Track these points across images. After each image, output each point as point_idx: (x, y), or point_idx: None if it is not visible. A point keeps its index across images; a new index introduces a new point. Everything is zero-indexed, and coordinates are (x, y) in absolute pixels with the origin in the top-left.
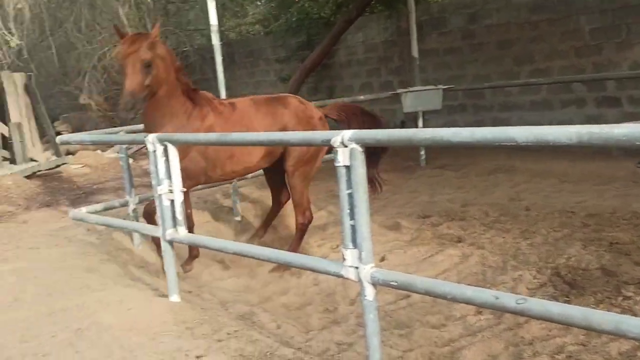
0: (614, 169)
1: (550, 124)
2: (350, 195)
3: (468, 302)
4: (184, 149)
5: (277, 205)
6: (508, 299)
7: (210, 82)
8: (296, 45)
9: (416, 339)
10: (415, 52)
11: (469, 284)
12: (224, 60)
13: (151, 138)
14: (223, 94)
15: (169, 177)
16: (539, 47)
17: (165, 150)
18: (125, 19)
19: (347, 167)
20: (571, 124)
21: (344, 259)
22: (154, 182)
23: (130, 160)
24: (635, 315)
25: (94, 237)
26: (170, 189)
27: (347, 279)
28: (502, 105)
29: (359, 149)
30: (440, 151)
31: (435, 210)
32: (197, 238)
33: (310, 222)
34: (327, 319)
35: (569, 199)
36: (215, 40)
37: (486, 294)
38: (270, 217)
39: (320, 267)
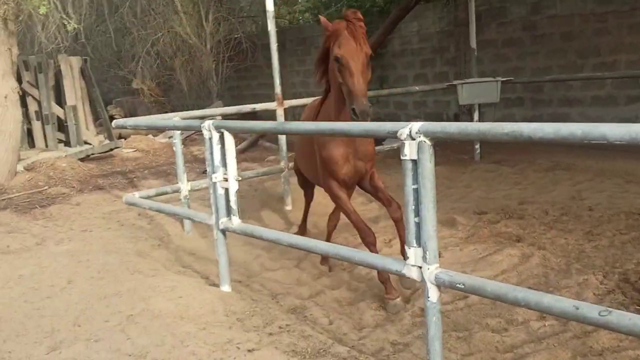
0: None
1: (613, 120)
2: (416, 191)
3: (545, 311)
4: None
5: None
6: (589, 310)
7: (262, 69)
8: None
9: (476, 343)
10: (473, 43)
11: (530, 287)
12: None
13: (207, 124)
14: (277, 81)
15: (224, 165)
16: (604, 40)
17: (222, 138)
18: (179, 5)
19: (414, 161)
20: (637, 121)
21: (406, 257)
22: (209, 170)
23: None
24: None
25: (145, 221)
26: (225, 177)
27: (409, 278)
28: (561, 100)
29: (427, 142)
30: (495, 145)
31: (492, 207)
32: (251, 228)
33: None
34: (381, 316)
35: (636, 200)
36: (271, 26)
37: (565, 303)
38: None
39: (381, 264)
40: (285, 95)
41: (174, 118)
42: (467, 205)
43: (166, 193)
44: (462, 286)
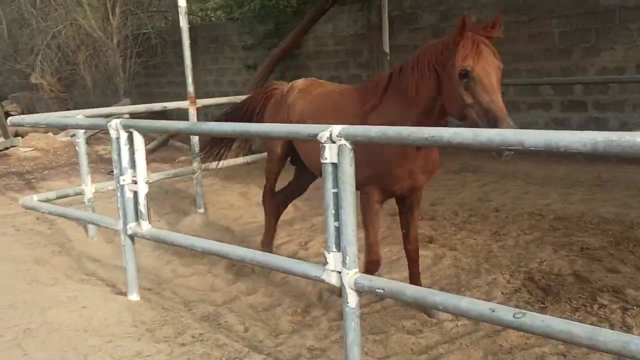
0: (578, 172)
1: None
2: (336, 195)
3: (462, 314)
4: None
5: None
6: (504, 313)
7: (172, 67)
8: (263, 33)
9: (392, 345)
10: (386, 47)
11: (443, 287)
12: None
13: (114, 123)
14: (190, 79)
15: (133, 166)
16: (505, 48)
17: (130, 138)
18: None
19: (334, 165)
20: (537, 127)
21: (326, 262)
22: (116, 172)
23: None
24: (612, 325)
25: (44, 226)
26: (134, 179)
27: (329, 284)
28: None
29: (348, 145)
30: None
31: None
32: (162, 234)
33: None
34: (298, 321)
35: (536, 201)
36: (183, 22)
37: (482, 306)
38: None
39: (299, 270)
40: (198, 94)
41: (78, 116)
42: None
43: (68, 196)
44: (382, 291)
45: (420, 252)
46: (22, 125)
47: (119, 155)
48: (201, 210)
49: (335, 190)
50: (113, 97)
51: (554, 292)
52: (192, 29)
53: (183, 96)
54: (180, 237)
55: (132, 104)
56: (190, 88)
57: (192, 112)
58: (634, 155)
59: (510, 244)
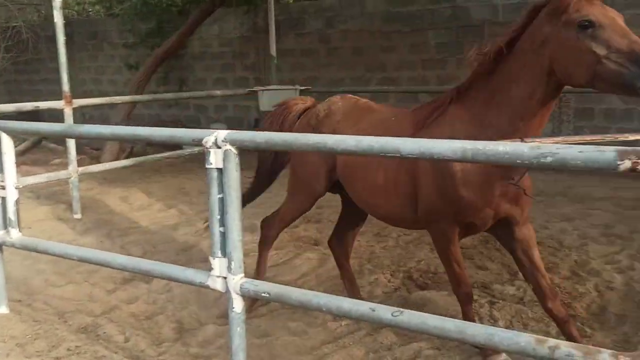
0: None
1: None
2: (221, 200)
3: (345, 315)
4: None
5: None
6: (384, 312)
7: (45, 63)
8: (145, 31)
9: (278, 348)
10: (273, 51)
11: (327, 289)
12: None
13: None
14: (65, 77)
15: (1, 170)
16: (389, 56)
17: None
18: None
19: (219, 170)
20: None
21: (211, 268)
22: None
23: None
24: (480, 318)
25: None
26: (1, 185)
27: (214, 290)
28: None
29: (233, 151)
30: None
31: None
32: (35, 242)
33: None
34: (181, 329)
35: None
36: (58, 17)
37: (363, 307)
38: None
39: (183, 277)
40: (75, 94)
41: None
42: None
43: None
44: (268, 295)
45: (306, 254)
46: None
47: None
48: (78, 216)
49: (220, 196)
50: None
51: (431, 289)
52: (68, 24)
53: (58, 95)
54: (54, 245)
55: None
56: (66, 87)
57: (68, 113)
58: (497, 162)
59: (391, 245)
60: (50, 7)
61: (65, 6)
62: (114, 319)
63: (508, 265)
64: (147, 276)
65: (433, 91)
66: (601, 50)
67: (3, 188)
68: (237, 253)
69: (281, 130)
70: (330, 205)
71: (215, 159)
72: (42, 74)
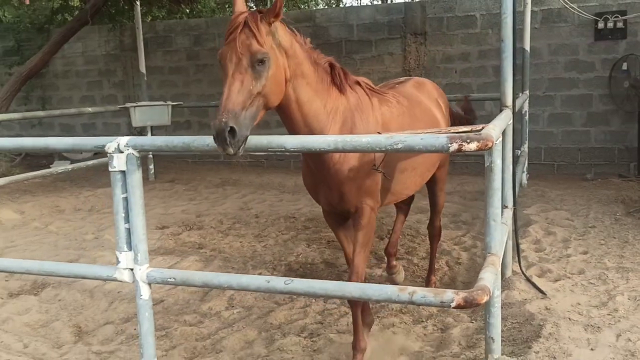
0: None
1: None
2: (126, 199)
3: (244, 288)
4: None
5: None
6: (277, 282)
7: None
8: (2, 51)
9: (177, 338)
10: (142, 68)
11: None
12: None
13: None
14: None
15: None
16: None
17: None
18: None
19: (123, 172)
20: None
21: (118, 262)
22: None
23: None
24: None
25: None
26: None
27: (121, 281)
28: None
29: (135, 154)
30: (168, 166)
31: (172, 221)
32: None
33: None
34: (80, 332)
35: (289, 207)
36: None
37: (259, 280)
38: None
39: (91, 273)
40: None
41: None
42: (149, 222)
43: None
44: (174, 280)
45: (192, 257)
46: None
47: None
48: None
49: (124, 195)
50: None
51: (310, 277)
52: None
53: None
54: None
55: None
56: None
57: None
58: (362, 150)
59: (272, 243)
60: None
61: None
62: (8, 330)
63: (374, 252)
64: (35, 289)
65: None
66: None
67: None
68: (142, 245)
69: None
70: (209, 214)
71: (118, 163)
72: None
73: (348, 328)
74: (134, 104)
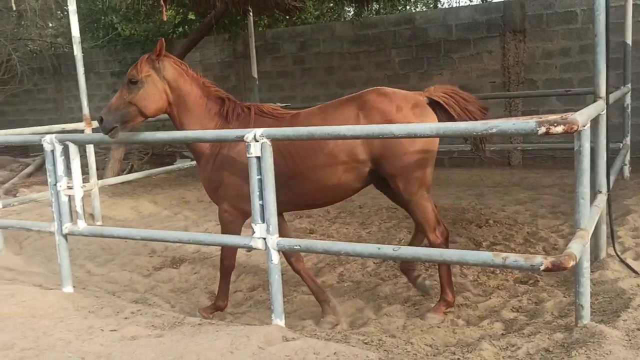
0: None
1: None
2: (260, 181)
3: (358, 254)
4: None
5: None
6: (387, 249)
7: (33, 94)
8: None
9: (297, 303)
10: (255, 73)
11: (328, 263)
12: (45, 72)
13: (49, 138)
14: (85, 102)
15: (68, 174)
16: (358, 74)
17: (65, 150)
18: None
19: (258, 158)
20: None
21: (253, 232)
22: (50, 180)
23: None
24: (454, 274)
25: None
26: (69, 186)
27: (255, 249)
28: None
29: (268, 143)
30: None
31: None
32: (99, 229)
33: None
34: (214, 297)
35: None
36: (77, 51)
37: (371, 247)
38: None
39: (231, 242)
40: (63, 120)
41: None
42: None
43: None
44: (299, 247)
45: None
46: None
47: (53, 165)
48: (99, 223)
49: (259, 177)
50: None
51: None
52: (55, 57)
53: (44, 123)
54: (118, 230)
55: None
56: (86, 110)
57: (88, 133)
58: (461, 135)
59: (375, 230)
60: (36, 42)
61: (28, 39)
62: (156, 294)
63: (473, 238)
64: (175, 263)
65: None
66: None
67: (71, 188)
68: (273, 219)
69: None
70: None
71: (254, 150)
72: (30, 105)
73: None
74: None
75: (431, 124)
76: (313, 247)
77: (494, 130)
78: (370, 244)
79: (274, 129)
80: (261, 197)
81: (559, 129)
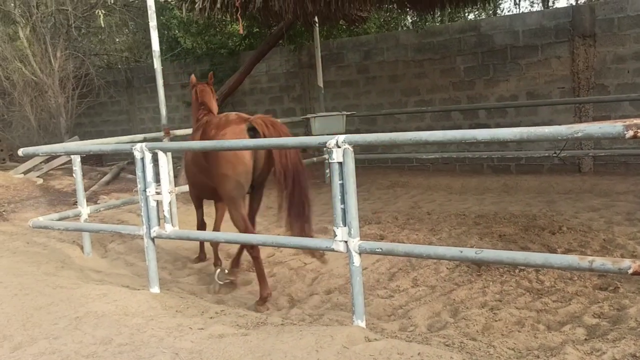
0: (486, 182)
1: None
2: (342, 185)
3: (440, 257)
4: None
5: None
6: (469, 252)
7: (107, 106)
8: (200, 74)
9: (374, 305)
10: (320, 83)
11: (400, 268)
12: (118, 85)
13: (139, 147)
14: (164, 112)
15: (157, 180)
16: (422, 81)
17: (154, 158)
18: (25, 42)
19: (340, 163)
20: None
21: (335, 235)
22: (140, 186)
23: (40, 181)
24: (529, 280)
25: (38, 248)
26: (157, 191)
27: (337, 251)
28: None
29: (350, 149)
30: None
31: None
32: (186, 233)
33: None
34: (292, 299)
35: (458, 205)
36: (157, 64)
37: (453, 250)
38: None
39: (313, 244)
40: (134, 130)
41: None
42: (331, 217)
43: (68, 217)
44: (380, 250)
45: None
46: (37, 155)
47: (143, 172)
48: (176, 228)
49: (341, 182)
50: (54, 137)
51: (485, 265)
52: (128, 70)
53: (118, 134)
54: (204, 233)
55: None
56: (164, 121)
57: (167, 141)
58: (545, 139)
59: (445, 236)
60: (109, 56)
61: (96, 53)
62: (237, 296)
63: (547, 245)
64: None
65: (464, 109)
66: None
67: (159, 193)
68: (354, 222)
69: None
70: (384, 211)
71: (336, 155)
72: (104, 116)
73: (526, 305)
74: (314, 115)
75: (514, 129)
76: (395, 251)
77: (579, 135)
78: (452, 247)
79: (357, 136)
80: (343, 201)
81: None
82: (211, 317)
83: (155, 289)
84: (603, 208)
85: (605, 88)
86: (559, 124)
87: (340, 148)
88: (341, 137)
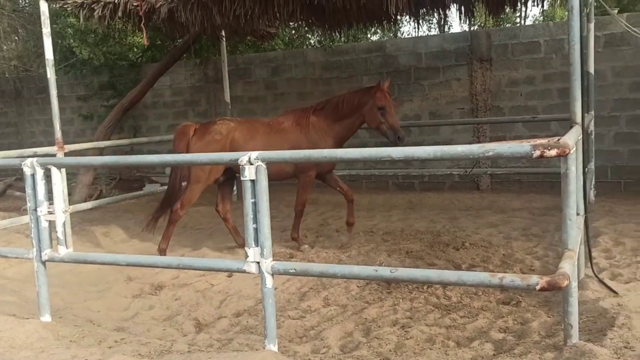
0: (392, 199)
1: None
2: (254, 204)
3: (355, 277)
4: None
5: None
6: (384, 271)
7: None
8: (98, 85)
9: (285, 327)
10: (227, 98)
11: (311, 287)
12: (6, 95)
13: (29, 162)
14: (57, 125)
15: (49, 199)
16: None
17: (47, 173)
18: None
19: (252, 181)
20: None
21: (246, 256)
22: (30, 205)
23: None
24: (437, 296)
25: None
26: (49, 211)
27: (249, 273)
28: None
29: (263, 166)
30: None
31: None
32: (83, 255)
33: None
34: (200, 324)
35: (366, 222)
36: (51, 74)
37: (368, 270)
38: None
39: (223, 266)
40: (24, 145)
41: None
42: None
43: None
44: (294, 270)
45: None
46: None
47: (33, 189)
48: (70, 250)
49: (253, 200)
50: None
51: (394, 283)
52: (17, 80)
53: (6, 147)
54: (102, 255)
55: None
56: (58, 134)
57: (60, 157)
58: (458, 158)
59: (355, 254)
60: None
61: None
62: (138, 322)
63: (452, 260)
64: (154, 290)
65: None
66: (383, 120)
67: (52, 213)
68: (267, 242)
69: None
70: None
71: (249, 173)
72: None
73: (436, 322)
74: None
75: (428, 147)
76: (309, 271)
77: (490, 154)
78: (367, 266)
79: (267, 152)
80: (255, 220)
81: (553, 152)
82: (110, 347)
83: (47, 317)
84: (501, 224)
85: (501, 110)
86: (459, 143)
87: (252, 165)
88: (254, 154)
